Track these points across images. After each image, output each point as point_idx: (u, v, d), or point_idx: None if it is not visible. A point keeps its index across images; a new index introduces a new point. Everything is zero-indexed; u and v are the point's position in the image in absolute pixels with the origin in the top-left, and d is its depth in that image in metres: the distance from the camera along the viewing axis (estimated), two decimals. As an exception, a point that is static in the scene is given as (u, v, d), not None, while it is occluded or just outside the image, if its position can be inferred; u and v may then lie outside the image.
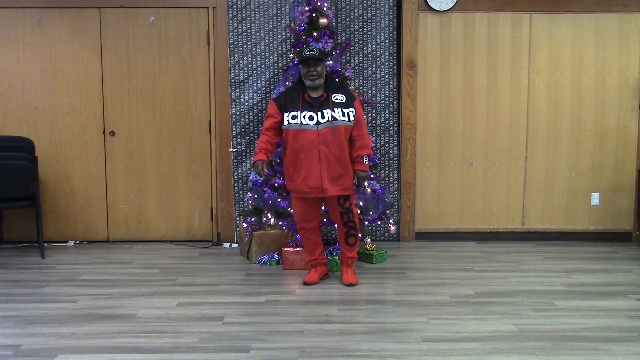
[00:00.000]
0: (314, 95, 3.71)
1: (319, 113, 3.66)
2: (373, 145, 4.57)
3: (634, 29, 4.95)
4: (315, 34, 4.34)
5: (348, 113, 3.70)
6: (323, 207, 4.01)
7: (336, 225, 4.36)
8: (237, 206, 5.01)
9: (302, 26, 4.41)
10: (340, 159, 3.68)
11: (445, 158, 5.07)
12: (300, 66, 3.75)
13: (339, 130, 3.66)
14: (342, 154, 3.69)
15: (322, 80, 3.71)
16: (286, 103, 3.73)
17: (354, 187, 3.82)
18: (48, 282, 3.91)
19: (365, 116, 4.55)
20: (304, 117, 3.66)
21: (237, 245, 4.98)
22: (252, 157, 4.90)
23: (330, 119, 3.65)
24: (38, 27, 4.90)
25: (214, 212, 5.05)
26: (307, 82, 3.70)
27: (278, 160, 4.37)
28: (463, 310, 3.32)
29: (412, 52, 4.93)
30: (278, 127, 3.76)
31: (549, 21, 4.95)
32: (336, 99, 3.70)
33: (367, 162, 3.77)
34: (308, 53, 3.65)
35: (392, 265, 4.34)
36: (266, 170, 3.75)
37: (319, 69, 3.67)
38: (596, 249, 4.86)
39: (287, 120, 3.69)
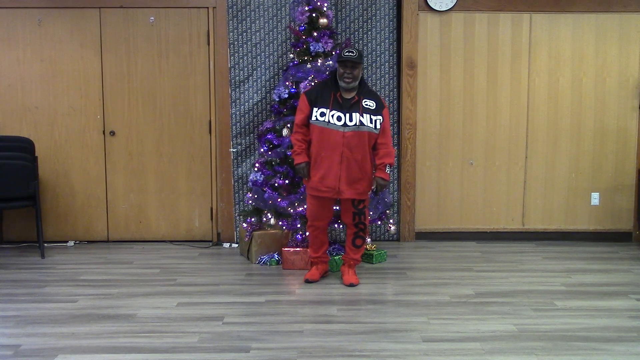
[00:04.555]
0: (346, 96, 3.69)
1: (347, 115, 3.64)
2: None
3: (634, 29, 4.95)
4: (315, 34, 4.34)
5: (376, 120, 3.68)
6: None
7: (336, 225, 4.37)
8: (237, 206, 5.01)
9: (302, 26, 4.41)
10: (361, 164, 3.68)
11: (445, 158, 5.07)
12: (337, 65, 3.72)
13: (363, 136, 3.65)
14: (364, 160, 3.68)
15: (356, 83, 3.68)
16: (317, 98, 3.70)
17: (372, 193, 3.81)
18: (48, 282, 3.91)
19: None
20: (332, 116, 3.64)
21: (237, 245, 4.98)
22: (252, 157, 4.92)
23: (357, 123, 3.63)
24: (38, 27, 4.90)
25: (214, 212, 5.05)
26: (342, 84, 3.67)
27: (278, 160, 4.37)
28: (463, 310, 3.32)
29: (412, 52, 4.93)
30: (308, 122, 3.74)
31: (549, 21, 4.95)
32: (366, 105, 3.68)
33: (388, 172, 3.74)
34: (347, 54, 3.60)
35: (392, 265, 4.34)
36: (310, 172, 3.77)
37: (355, 72, 3.64)
38: (596, 249, 4.86)
39: (315, 116, 3.67)
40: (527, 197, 5.11)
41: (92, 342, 2.86)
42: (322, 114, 3.65)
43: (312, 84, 4.17)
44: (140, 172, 5.03)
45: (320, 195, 3.74)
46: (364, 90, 3.75)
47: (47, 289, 3.75)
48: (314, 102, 3.70)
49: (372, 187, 3.74)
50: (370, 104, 3.69)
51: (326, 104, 3.67)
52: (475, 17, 4.95)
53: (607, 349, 2.77)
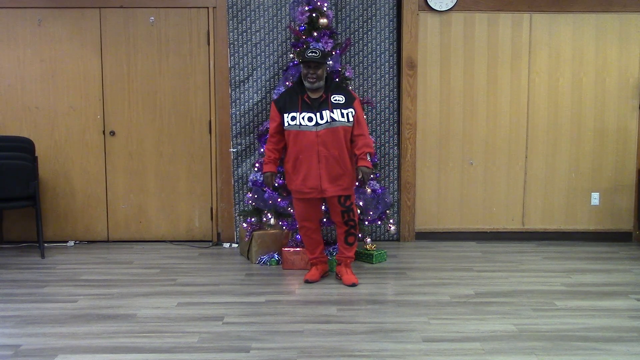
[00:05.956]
0: (314, 96, 3.72)
1: (317, 114, 3.67)
2: (373, 144, 4.57)
3: (634, 29, 4.95)
4: (315, 34, 4.34)
5: (347, 114, 3.70)
6: (323, 207, 4.02)
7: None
8: (237, 206, 5.01)
9: (302, 26, 4.41)
10: (340, 160, 3.69)
11: (445, 158, 5.07)
12: (301, 66, 3.75)
13: (337, 131, 3.67)
14: (342, 155, 3.70)
15: (321, 83, 3.71)
16: (285, 104, 3.75)
17: (360, 183, 3.83)
18: (48, 282, 3.91)
19: (365, 116, 4.55)
20: (302, 118, 3.67)
21: (237, 245, 4.98)
22: (252, 157, 4.92)
23: (329, 120, 3.66)
24: (38, 27, 4.89)
25: (214, 212, 5.05)
26: (306, 84, 3.71)
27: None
28: (463, 310, 3.32)
29: (412, 52, 4.93)
30: (281, 130, 3.78)
31: (549, 21, 4.95)
32: (335, 100, 3.71)
33: (369, 159, 3.78)
34: (310, 55, 3.64)
35: (392, 265, 4.34)
36: (275, 183, 3.84)
37: (319, 71, 3.67)
38: (596, 249, 4.85)
39: (287, 121, 3.71)
40: (527, 197, 5.11)
41: (92, 342, 2.86)
42: (293, 118, 3.69)
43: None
44: (140, 172, 5.03)
45: (305, 197, 3.76)
46: (332, 87, 3.77)
47: (47, 289, 3.75)
48: (283, 109, 3.74)
49: (359, 177, 3.74)
50: (339, 98, 3.72)
51: (295, 108, 3.70)
52: (475, 17, 4.95)
53: (607, 349, 2.77)
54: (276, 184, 4.32)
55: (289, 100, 3.75)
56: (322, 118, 3.66)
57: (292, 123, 3.69)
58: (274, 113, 3.80)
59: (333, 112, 3.67)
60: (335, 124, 3.67)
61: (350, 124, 3.71)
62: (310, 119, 3.67)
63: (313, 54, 3.63)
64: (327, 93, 3.72)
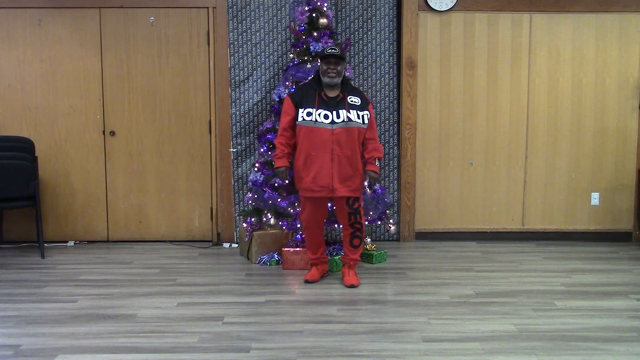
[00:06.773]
0: (331, 94, 3.71)
1: (334, 112, 3.66)
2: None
3: (634, 29, 4.95)
4: (315, 34, 4.34)
5: (363, 116, 3.71)
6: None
7: (337, 225, 4.38)
8: (237, 206, 5.01)
9: (302, 26, 4.41)
10: (352, 160, 3.69)
11: (445, 158, 5.07)
12: (320, 63, 3.74)
13: (352, 132, 3.67)
14: (354, 156, 3.70)
15: (339, 80, 3.71)
16: (302, 99, 3.73)
17: (367, 188, 3.83)
18: (48, 282, 3.91)
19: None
20: (319, 115, 3.66)
21: (237, 245, 4.98)
22: (252, 157, 4.92)
23: (345, 120, 3.66)
24: (38, 27, 4.90)
25: (214, 212, 5.05)
26: (326, 80, 3.69)
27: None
28: (463, 310, 3.32)
29: (412, 52, 4.93)
30: (295, 125, 3.75)
31: (549, 21, 4.95)
32: (352, 101, 3.71)
33: (378, 165, 3.78)
34: (330, 51, 3.66)
35: (392, 265, 4.34)
36: (288, 177, 3.81)
37: (339, 67, 3.67)
38: (596, 249, 4.86)
39: (302, 116, 3.69)
40: (527, 197, 5.11)
41: (92, 342, 2.86)
42: (309, 114, 3.67)
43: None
44: (140, 172, 5.03)
45: (314, 195, 3.74)
46: (348, 88, 3.78)
47: (47, 289, 3.75)
48: (299, 104, 3.72)
49: (365, 182, 3.75)
50: (355, 100, 3.73)
51: (312, 104, 3.69)
52: (475, 17, 4.95)
53: (607, 349, 2.77)
54: (276, 184, 4.32)
55: (306, 95, 3.73)
56: (338, 117, 3.66)
57: (307, 118, 3.67)
58: (288, 107, 3.76)
59: (350, 113, 3.67)
60: (351, 124, 3.66)
61: (365, 127, 3.72)
62: (326, 117, 3.65)
63: (333, 50, 3.66)
64: (343, 93, 3.72)
